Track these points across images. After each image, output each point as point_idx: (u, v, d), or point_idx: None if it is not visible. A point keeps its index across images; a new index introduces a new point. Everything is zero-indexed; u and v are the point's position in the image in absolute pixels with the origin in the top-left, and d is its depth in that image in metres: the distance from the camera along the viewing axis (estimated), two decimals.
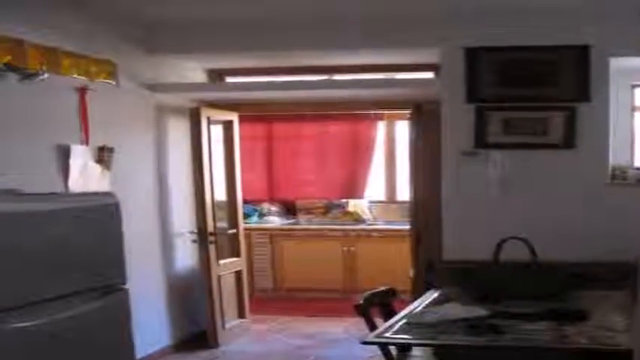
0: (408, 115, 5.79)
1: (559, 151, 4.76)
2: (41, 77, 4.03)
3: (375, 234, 7.48)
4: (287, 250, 7.64)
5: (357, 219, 7.77)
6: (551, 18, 4.63)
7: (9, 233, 3.12)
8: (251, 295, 6.65)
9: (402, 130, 7.59)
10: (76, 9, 4.40)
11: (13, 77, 3.90)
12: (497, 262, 3.86)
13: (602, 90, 4.72)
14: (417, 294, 4.62)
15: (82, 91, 4.46)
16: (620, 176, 4.93)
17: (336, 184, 8.03)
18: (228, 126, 6.03)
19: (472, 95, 4.82)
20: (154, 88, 5.26)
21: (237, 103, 6.05)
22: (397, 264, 6.59)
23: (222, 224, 6.02)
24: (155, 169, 5.36)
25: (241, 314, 6.17)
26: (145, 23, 5.02)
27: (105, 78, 4.67)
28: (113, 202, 3.74)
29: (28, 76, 3.97)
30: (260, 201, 8.16)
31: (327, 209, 7.96)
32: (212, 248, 5.66)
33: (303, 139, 8.04)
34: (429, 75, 5.58)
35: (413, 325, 3.25)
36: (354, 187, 8.00)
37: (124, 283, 3.78)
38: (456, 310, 3.37)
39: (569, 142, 4.74)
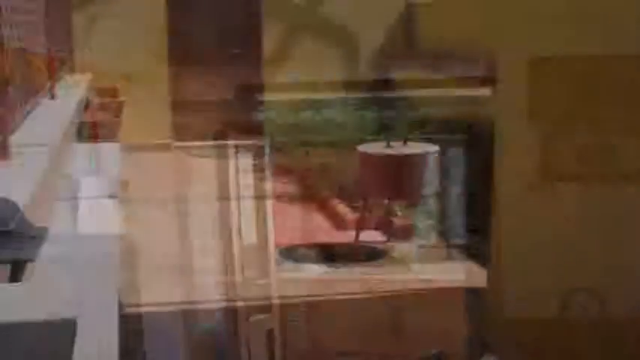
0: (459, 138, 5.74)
1: (634, 183, 4.64)
2: None
3: (423, 284, 7.40)
4: (325, 304, 7.57)
5: (404, 266, 7.71)
6: (624, 23, 4.54)
7: None
8: None
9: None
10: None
11: None
12: (564, 319, 3.78)
13: None
14: (471, 359, 4.54)
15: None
16: None
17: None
18: (258, 153, 5.93)
19: (536, 114, 4.69)
20: (173, 104, 5.16)
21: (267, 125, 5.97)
22: (449, 320, 6.49)
23: (252, 272, 5.92)
24: (176, 206, 5.31)
25: None
26: (160, 28, 4.92)
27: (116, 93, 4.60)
28: None
29: None
30: (294, 245, 8.13)
31: (370, 255, 7.92)
32: (240, 303, 5.53)
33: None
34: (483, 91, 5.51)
35: None
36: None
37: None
38: None
39: None
